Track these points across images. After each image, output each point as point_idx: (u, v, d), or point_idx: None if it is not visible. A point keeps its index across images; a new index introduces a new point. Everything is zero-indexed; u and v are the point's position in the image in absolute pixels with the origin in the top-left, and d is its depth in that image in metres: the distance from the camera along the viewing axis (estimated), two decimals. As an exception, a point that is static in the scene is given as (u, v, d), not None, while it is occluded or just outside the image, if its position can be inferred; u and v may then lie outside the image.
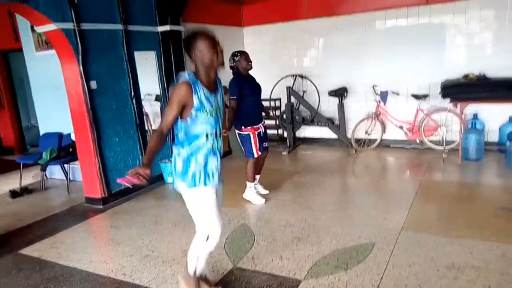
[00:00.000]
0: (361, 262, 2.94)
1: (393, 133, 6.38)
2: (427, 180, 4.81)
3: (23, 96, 7.91)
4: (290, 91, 6.59)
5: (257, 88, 4.37)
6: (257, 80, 4.42)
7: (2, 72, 7.76)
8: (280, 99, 7.02)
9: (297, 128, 6.92)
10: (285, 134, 7.01)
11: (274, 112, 6.93)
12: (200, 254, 2.47)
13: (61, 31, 4.10)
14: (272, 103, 6.95)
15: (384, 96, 6.19)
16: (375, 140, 6.40)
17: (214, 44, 2.26)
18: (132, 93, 4.90)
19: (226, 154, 6.30)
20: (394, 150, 6.33)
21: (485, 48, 5.65)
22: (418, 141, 6.19)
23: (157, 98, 5.88)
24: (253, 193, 4.38)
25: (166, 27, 5.26)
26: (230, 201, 4.23)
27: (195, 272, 2.51)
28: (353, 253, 3.09)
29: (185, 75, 2.26)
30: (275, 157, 6.30)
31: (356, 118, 6.43)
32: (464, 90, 5.19)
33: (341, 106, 6.48)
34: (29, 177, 5.94)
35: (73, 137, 4.95)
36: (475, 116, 5.65)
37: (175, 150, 2.33)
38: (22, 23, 5.58)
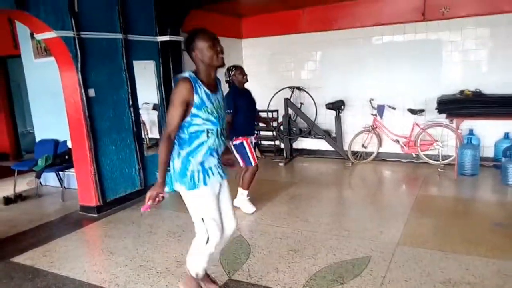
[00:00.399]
0: (358, 276, 2.93)
1: (390, 147, 6.41)
2: (423, 194, 4.82)
3: (20, 102, 7.90)
4: (287, 103, 6.63)
5: (252, 102, 4.42)
6: (255, 91, 4.45)
7: (0, 78, 7.75)
8: (277, 111, 7.06)
9: (294, 140, 6.94)
10: (282, 146, 7.04)
11: (272, 123, 6.95)
12: (200, 256, 2.44)
13: (61, 39, 4.11)
14: (270, 115, 6.99)
15: (381, 110, 6.25)
16: (372, 153, 6.43)
17: (214, 43, 2.26)
18: (130, 102, 4.91)
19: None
20: (390, 164, 6.36)
21: (481, 65, 5.72)
22: (414, 155, 6.23)
23: (155, 107, 5.88)
24: (246, 200, 4.40)
25: (166, 37, 5.30)
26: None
27: (197, 274, 2.48)
28: (349, 266, 3.08)
29: (185, 74, 2.26)
30: (272, 168, 6.30)
31: (353, 131, 6.47)
32: (460, 106, 5.24)
33: (338, 119, 6.51)
34: (24, 184, 5.88)
35: (69, 144, 4.92)
36: (471, 132, 5.70)
37: (174, 151, 2.31)
38: (22, 30, 5.60)
